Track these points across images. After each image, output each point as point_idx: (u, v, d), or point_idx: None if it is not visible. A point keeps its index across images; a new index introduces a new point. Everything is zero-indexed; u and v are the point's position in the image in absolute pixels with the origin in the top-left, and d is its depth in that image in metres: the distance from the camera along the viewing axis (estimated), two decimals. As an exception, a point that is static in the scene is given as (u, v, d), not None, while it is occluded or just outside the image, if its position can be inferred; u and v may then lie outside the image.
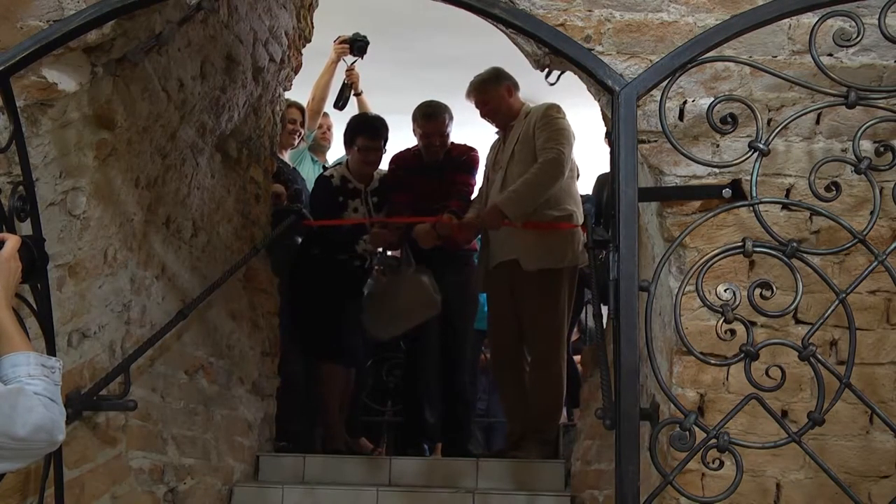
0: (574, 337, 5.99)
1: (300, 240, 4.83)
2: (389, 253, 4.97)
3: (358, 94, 5.43)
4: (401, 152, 5.00)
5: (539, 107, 4.38)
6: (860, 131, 2.23)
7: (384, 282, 4.79)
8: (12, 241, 1.87)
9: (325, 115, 5.56)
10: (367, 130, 4.80)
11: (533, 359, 4.38)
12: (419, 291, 4.55)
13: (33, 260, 1.93)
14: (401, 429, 5.31)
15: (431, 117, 4.77)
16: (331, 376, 4.72)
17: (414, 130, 4.87)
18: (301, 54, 4.61)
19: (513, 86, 4.45)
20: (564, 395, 4.42)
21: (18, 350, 1.74)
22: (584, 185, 5.91)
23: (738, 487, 2.14)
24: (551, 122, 4.28)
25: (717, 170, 2.45)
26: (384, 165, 5.01)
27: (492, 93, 4.46)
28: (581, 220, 4.33)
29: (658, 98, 2.27)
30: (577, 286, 5.15)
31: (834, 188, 2.24)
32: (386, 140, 4.87)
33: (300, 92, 4.81)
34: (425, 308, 4.57)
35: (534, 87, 6.52)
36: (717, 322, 2.17)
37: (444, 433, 4.96)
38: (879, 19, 2.20)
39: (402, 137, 5.21)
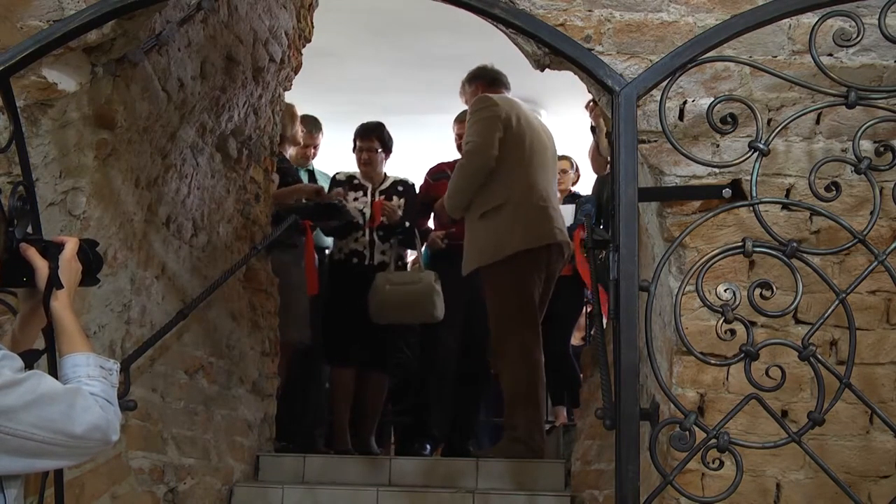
0: (580, 343, 6.00)
1: (304, 239, 4.87)
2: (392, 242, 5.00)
3: None
4: (441, 163, 5.23)
5: None
6: (860, 131, 2.23)
7: (396, 273, 4.84)
8: (72, 243, 1.89)
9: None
10: (360, 132, 5.10)
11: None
12: (428, 298, 4.62)
13: (89, 262, 1.95)
14: (405, 429, 5.34)
15: (463, 119, 4.94)
16: (338, 380, 4.87)
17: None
18: (301, 54, 4.61)
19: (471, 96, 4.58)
20: (536, 387, 4.22)
21: (80, 350, 1.78)
22: (585, 186, 5.94)
23: (738, 487, 2.14)
24: (469, 117, 4.38)
25: (717, 170, 2.45)
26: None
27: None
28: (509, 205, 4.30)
29: (658, 98, 2.27)
30: (577, 286, 5.17)
31: (834, 188, 2.24)
32: (381, 141, 5.04)
33: (300, 91, 4.82)
34: (423, 315, 4.68)
35: (534, 88, 6.55)
36: (717, 322, 2.17)
37: (451, 434, 4.98)
38: (879, 19, 2.20)
39: (401, 138, 5.24)
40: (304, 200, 4.85)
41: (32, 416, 1.58)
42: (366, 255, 4.88)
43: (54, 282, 1.82)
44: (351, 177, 5.08)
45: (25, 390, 1.58)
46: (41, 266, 1.82)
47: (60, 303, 1.81)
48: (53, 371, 1.85)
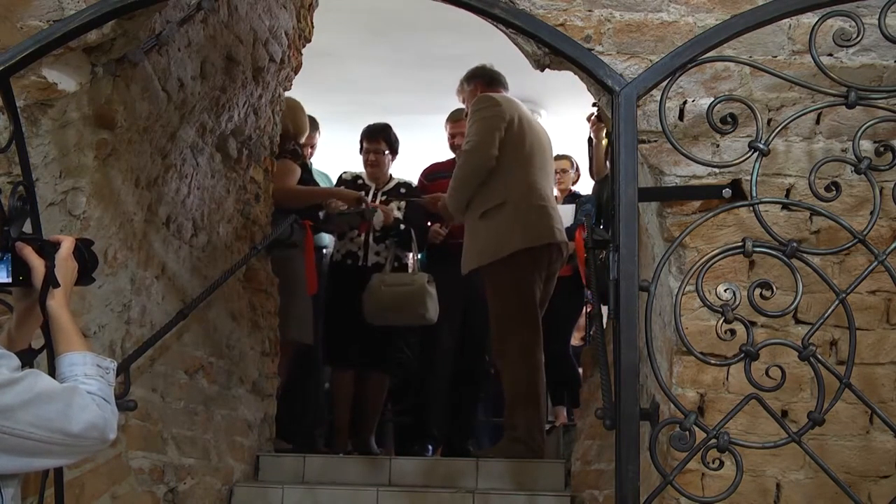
0: (580, 343, 6.00)
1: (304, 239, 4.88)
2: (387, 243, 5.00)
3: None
4: (434, 164, 5.25)
5: None
6: (860, 131, 2.23)
7: (390, 274, 4.85)
8: (68, 242, 1.89)
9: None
10: (367, 134, 5.13)
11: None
12: (420, 299, 4.62)
13: (85, 261, 1.95)
14: (405, 429, 5.35)
15: (457, 118, 5.00)
16: (338, 380, 4.92)
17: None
18: (301, 54, 4.61)
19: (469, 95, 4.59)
20: (537, 387, 4.22)
21: (76, 349, 1.79)
22: (585, 185, 5.94)
23: (738, 487, 2.14)
24: (470, 116, 4.38)
25: (717, 170, 2.45)
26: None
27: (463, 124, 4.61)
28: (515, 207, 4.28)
29: (658, 98, 2.27)
30: (577, 286, 5.17)
31: (834, 188, 2.24)
32: (388, 143, 5.07)
33: (300, 91, 4.82)
34: (414, 317, 4.68)
35: (534, 88, 6.55)
36: (717, 322, 2.17)
37: (451, 434, 4.98)
38: (879, 19, 2.20)
39: (402, 138, 5.23)
40: (342, 207, 4.84)
41: (30, 415, 1.58)
42: (360, 256, 4.90)
43: (51, 280, 1.82)
44: (357, 177, 5.12)
45: (23, 389, 1.58)
46: (37, 265, 1.82)
47: (57, 301, 1.81)
48: (53, 369, 1.85)
